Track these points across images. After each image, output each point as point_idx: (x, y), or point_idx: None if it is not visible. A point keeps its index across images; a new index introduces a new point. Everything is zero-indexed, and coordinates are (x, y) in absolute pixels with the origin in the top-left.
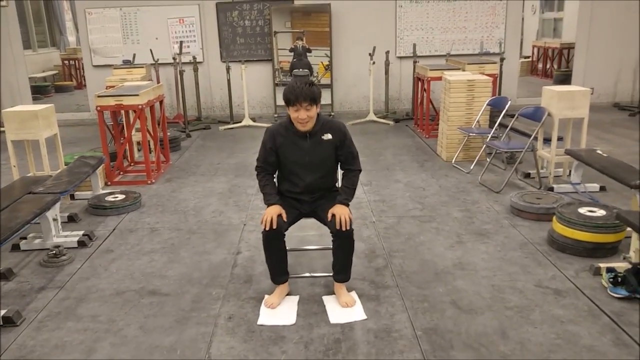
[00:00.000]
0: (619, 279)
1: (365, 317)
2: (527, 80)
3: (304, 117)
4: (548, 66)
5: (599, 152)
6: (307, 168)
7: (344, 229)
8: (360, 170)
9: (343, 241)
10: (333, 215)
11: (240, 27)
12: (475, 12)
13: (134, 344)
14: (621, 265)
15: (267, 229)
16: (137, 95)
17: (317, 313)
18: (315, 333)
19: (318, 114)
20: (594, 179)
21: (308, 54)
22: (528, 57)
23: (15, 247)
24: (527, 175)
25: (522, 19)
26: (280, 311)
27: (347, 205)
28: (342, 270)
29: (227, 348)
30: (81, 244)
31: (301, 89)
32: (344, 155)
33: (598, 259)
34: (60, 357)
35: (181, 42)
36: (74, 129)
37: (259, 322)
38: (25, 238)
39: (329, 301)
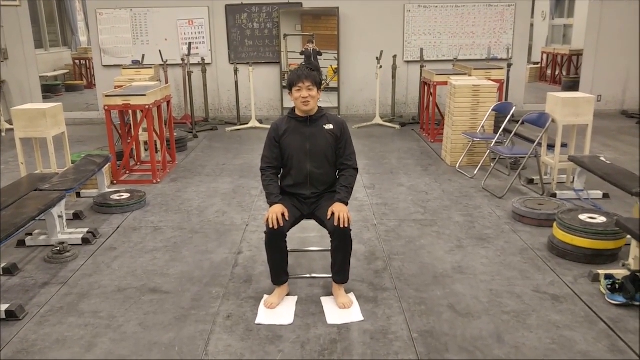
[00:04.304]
0: (617, 286)
1: (362, 318)
2: (535, 86)
3: (306, 95)
4: (557, 73)
5: (602, 159)
6: (307, 155)
7: (342, 226)
8: (356, 169)
9: (341, 241)
10: (332, 214)
11: (249, 30)
12: (484, 17)
13: (133, 340)
14: (620, 272)
15: (273, 226)
16: (144, 95)
17: (315, 314)
18: (312, 333)
19: (321, 108)
20: (598, 186)
21: (319, 57)
22: (537, 63)
23: (21, 243)
24: (531, 181)
25: (532, 25)
26: (278, 311)
27: (346, 204)
28: (340, 271)
29: (225, 346)
30: (85, 241)
31: (303, 71)
32: (342, 147)
33: (597, 266)
34: (61, 351)
35: (190, 44)
36: (83, 128)
37: (256, 322)
38: (31, 234)
39: (327, 302)
